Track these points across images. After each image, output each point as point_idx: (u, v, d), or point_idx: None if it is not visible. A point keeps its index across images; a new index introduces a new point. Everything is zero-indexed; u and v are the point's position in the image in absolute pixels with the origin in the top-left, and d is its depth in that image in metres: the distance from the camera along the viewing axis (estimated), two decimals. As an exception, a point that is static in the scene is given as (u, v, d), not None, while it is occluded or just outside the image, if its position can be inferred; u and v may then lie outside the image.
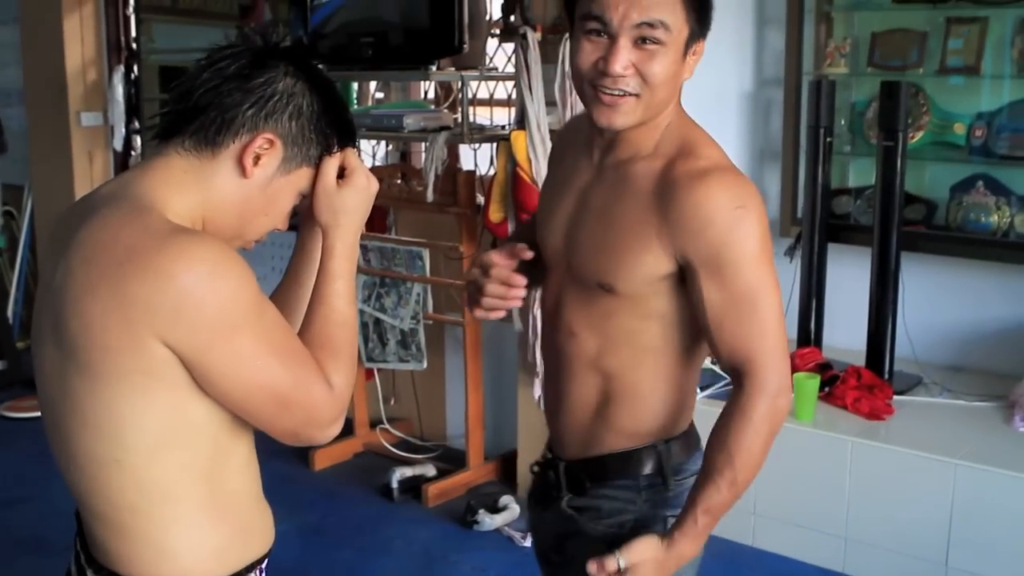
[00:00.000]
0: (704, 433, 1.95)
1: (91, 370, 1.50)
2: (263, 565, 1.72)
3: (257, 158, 1.59)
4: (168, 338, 1.46)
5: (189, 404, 1.53)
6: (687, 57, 1.85)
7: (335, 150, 1.68)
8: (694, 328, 1.92)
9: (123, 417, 1.52)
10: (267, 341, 1.52)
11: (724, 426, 1.86)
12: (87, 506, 1.61)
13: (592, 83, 1.83)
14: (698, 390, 2.14)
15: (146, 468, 1.55)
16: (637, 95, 1.82)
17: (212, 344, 1.48)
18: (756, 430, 1.83)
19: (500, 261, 2.05)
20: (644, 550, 1.86)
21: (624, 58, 1.79)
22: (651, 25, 1.78)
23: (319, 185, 1.67)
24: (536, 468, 2.21)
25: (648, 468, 1.99)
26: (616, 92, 1.81)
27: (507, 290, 2.04)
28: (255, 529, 1.71)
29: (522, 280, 2.04)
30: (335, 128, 1.67)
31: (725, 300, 1.83)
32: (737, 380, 1.87)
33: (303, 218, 1.81)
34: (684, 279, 1.87)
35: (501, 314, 2.11)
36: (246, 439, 1.66)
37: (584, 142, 2.01)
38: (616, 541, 1.90)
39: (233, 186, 1.60)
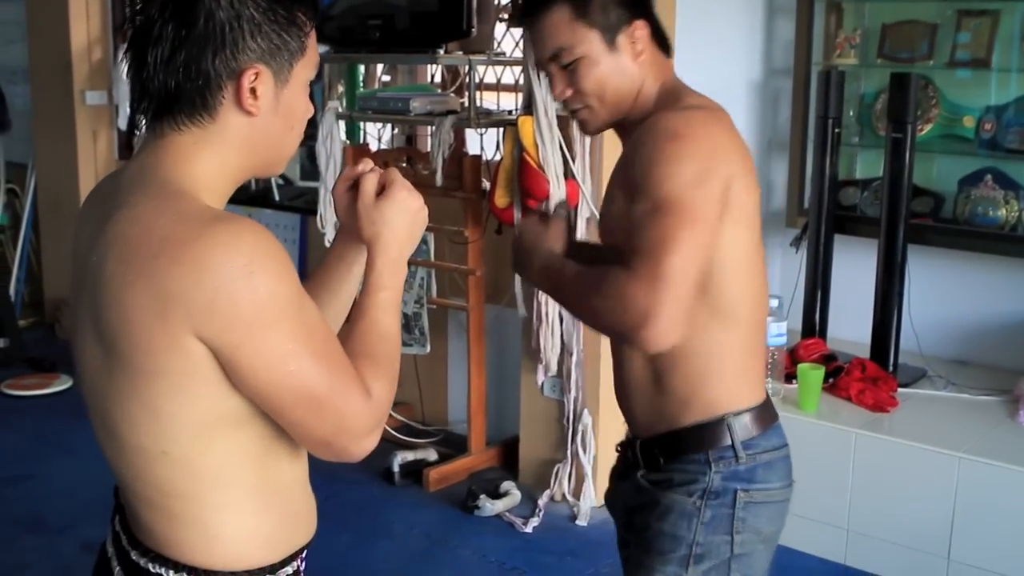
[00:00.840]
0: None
1: (132, 369, 1.46)
2: (303, 554, 1.69)
3: (253, 92, 1.51)
4: (203, 333, 1.41)
5: (231, 395, 1.48)
6: (619, 46, 2.01)
7: (310, 25, 1.58)
8: (721, 287, 1.97)
9: (166, 414, 1.47)
10: (304, 340, 1.45)
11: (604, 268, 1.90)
12: (135, 492, 1.57)
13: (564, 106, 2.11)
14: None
15: (195, 456, 1.51)
16: (587, 106, 2.05)
17: (246, 340, 1.42)
18: (603, 293, 1.86)
19: None
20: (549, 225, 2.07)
21: (558, 85, 2.04)
22: (555, 55, 2.02)
23: (359, 201, 1.65)
24: (618, 448, 2.27)
25: (720, 442, 2.02)
26: (573, 109, 2.08)
27: None
28: (301, 516, 1.68)
29: None
30: (292, 6, 1.55)
31: (639, 214, 1.87)
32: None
33: (341, 226, 1.78)
34: None
35: None
36: None
37: None
38: (685, 509, 2.01)
39: (249, 128, 1.54)
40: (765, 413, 2.08)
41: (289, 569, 1.65)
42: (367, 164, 1.72)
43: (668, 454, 2.06)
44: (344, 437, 1.51)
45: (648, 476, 2.09)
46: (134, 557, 1.60)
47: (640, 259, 1.82)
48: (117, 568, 1.63)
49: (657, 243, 1.82)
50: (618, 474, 2.26)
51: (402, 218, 1.66)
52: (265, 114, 1.54)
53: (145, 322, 1.41)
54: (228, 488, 1.55)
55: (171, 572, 1.57)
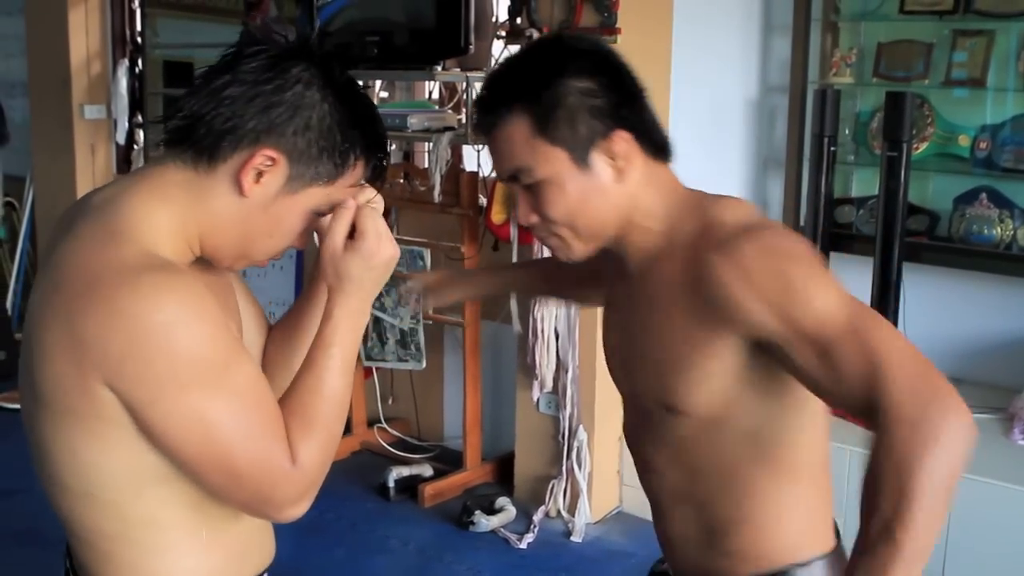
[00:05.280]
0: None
1: (50, 406, 1.41)
2: None
3: (259, 175, 1.45)
4: (114, 384, 1.34)
5: (151, 450, 1.42)
6: (594, 165, 1.62)
7: (354, 163, 1.51)
8: (788, 433, 1.70)
9: (85, 458, 1.42)
10: (224, 404, 1.37)
11: (867, 478, 1.47)
12: (70, 530, 1.53)
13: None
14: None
15: (124, 502, 1.46)
16: (555, 235, 1.67)
17: (158, 399, 1.34)
18: (901, 462, 1.40)
19: None
20: None
21: (521, 208, 1.67)
22: (514, 176, 1.65)
23: (324, 244, 1.52)
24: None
25: None
26: (540, 237, 1.71)
27: None
28: (251, 550, 1.63)
29: None
30: (355, 142, 1.50)
31: (818, 354, 1.50)
32: (871, 422, 1.48)
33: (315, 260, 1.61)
34: (761, 372, 1.62)
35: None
36: None
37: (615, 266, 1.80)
38: None
39: (230, 204, 1.46)
40: (837, 561, 1.77)
41: None
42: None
43: None
44: (265, 506, 1.46)
45: None
46: None
47: (883, 387, 1.45)
48: None
49: (875, 356, 1.47)
50: None
51: (371, 275, 1.53)
52: (255, 203, 1.47)
53: (61, 361, 1.36)
54: (163, 532, 1.50)
55: None
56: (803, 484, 1.76)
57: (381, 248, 1.52)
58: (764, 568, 1.74)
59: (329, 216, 1.53)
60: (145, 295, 1.33)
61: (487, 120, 1.66)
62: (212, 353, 1.36)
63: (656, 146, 1.68)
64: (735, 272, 1.53)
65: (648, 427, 1.76)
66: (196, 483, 1.44)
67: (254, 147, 1.44)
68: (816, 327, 1.50)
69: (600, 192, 1.63)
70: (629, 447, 1.90)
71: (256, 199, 1.46)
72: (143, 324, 1.32)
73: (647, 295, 1.68)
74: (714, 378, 1.62)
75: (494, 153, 1.67)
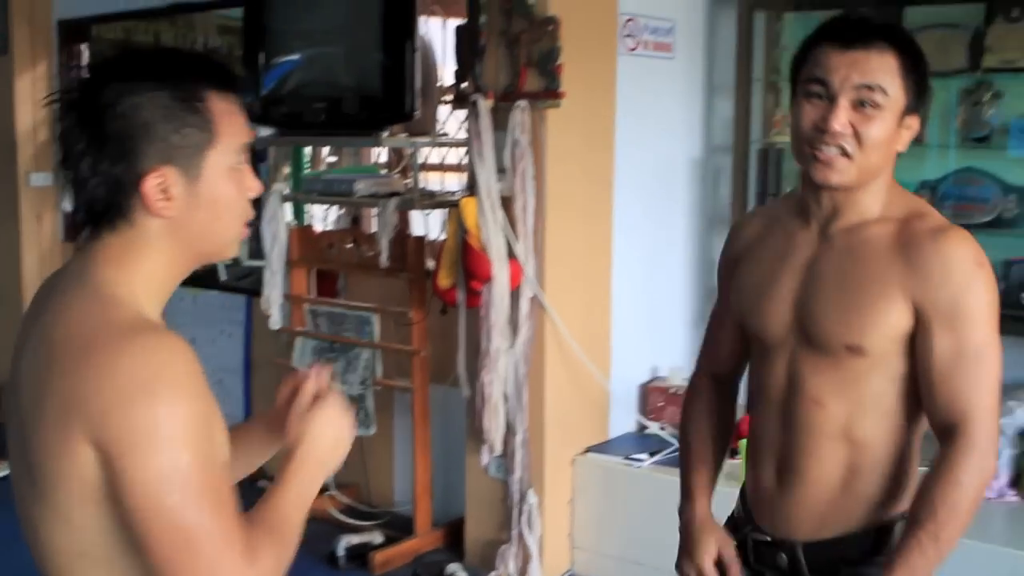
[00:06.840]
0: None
1: (41, 473, 1.45)
2: None
3: (166, 193, 1.49)
4: (96, 439, 1.38)
5: None
6: (900, 128, 1.95)
7: (210, 106, 1.52)
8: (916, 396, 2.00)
9: (77, 521, 1.45)
10: (193, 475, 1.39)
11: (930, 482, 1.90)
12: None
13: (810, 142, 1.95)
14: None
15: (118, 557, 1.47)
16: (850, 156, 1.92)
17: (128, 453, 1.37)
18: (964, 488, 1.87)
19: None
20: None
21: (843, 117, 1.90)
22: (870, 88, 1.90)
23: (296, 403, 1.66)
24: (752, 553, 2.21)
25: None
26: (832, 150, 1.92)
27: None
28: None
29: None
30: (195, 102, 1.51)
31: (955, 353, 1.90)
32: (947, 436, 1.91)
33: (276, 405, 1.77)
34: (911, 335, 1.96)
35: None
36: None
37: (785, 223, 2.13)
38: None
39: (171, 228, 1.52)
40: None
41: None
42: (314, 374, 1.73)
43: (849, 557, 2.04)
44: None
45: None
46: None
47: (971, 425, 1.89)
48: None
49: (980, 395, 1.90)
50: None
51: (326, 433, 1.63)
52: (183, 211, 1.52)
53: (52, 425, 1.40)
54: None
55: None
56: (917, 443, 2.06)
57: (339, 416, 1.66)
58: (886, 516, 2.04)
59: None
60: (135, 352, 1.39)
61: (873, 33, 1.94)
62: (187, 416, 1.39)
63: None
64: (941, 253, 1.91)
65: (819, 364, 2.02)
66: (146, 554, 1.42)
67: (137, 182, 1.48)
68: (968, 332, 1.90)
69: (891, 146, 1.96)
70: (770, 390, 2.11)
71: (181, 208, 1.51)
72: (128, 379, 1.37)
73: (852, 251, 2.00)
74: (890, 323, 1.94)
75: (856, 61, 1.91)
